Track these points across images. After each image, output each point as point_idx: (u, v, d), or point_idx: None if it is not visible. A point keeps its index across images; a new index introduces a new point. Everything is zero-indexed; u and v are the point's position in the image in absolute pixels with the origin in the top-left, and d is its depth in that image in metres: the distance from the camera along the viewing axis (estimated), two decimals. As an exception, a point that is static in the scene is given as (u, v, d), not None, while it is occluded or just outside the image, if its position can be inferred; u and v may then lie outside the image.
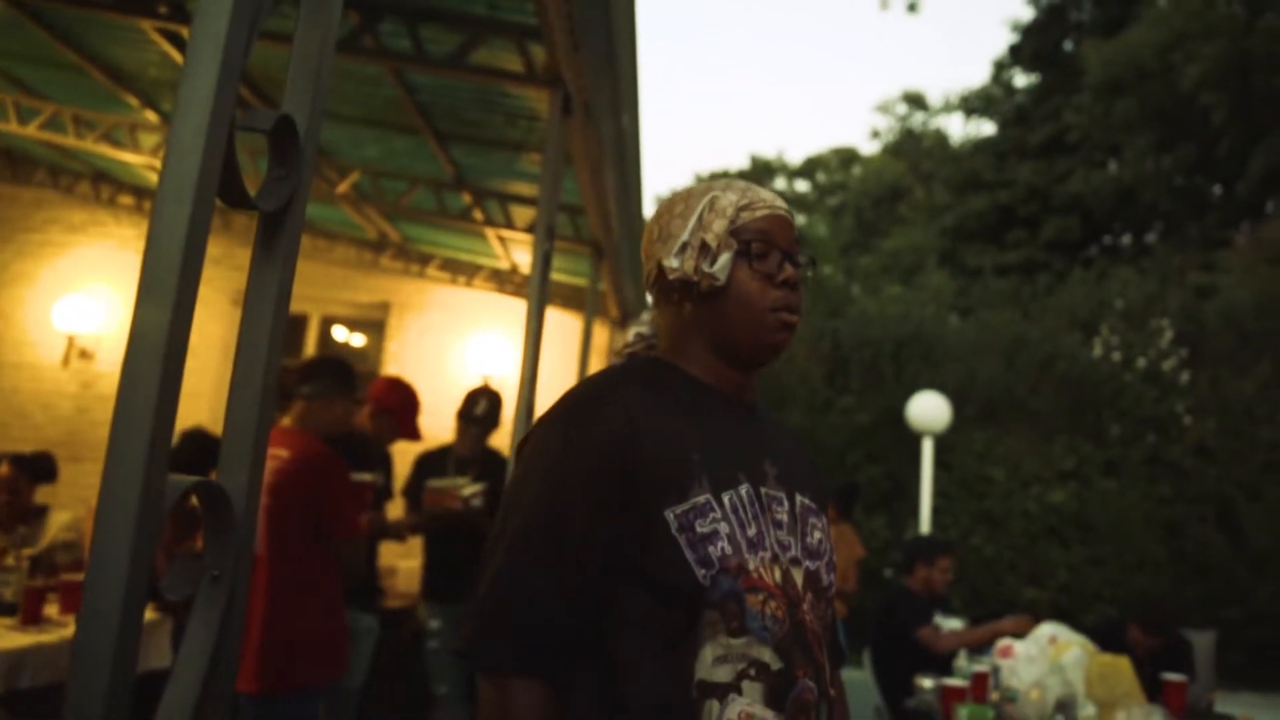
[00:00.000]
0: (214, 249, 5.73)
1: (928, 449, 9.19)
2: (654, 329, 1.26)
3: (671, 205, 1.22)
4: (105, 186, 6.12)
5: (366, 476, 3.28)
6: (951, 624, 4.22)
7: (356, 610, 3.46)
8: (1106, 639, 4.05)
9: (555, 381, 5.04)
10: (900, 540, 10.75)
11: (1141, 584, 9.60)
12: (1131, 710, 2.93)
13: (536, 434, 1.10)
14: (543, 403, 4.07)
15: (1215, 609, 9.63)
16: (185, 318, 0.66)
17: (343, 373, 3.03)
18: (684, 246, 1.17)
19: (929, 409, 8.94)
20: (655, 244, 1.21)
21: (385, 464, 3.76)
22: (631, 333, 1.27)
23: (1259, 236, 13.53)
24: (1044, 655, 3.45)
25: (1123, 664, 3.49)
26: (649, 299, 1.23)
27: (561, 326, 5.22)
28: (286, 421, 2.95)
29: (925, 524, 9.27)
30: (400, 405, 3.46)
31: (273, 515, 2.74)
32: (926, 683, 3.69)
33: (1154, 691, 3.73)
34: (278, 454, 2.84)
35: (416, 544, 4.09)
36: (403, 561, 4.43)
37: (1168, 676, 3.79)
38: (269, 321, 0.79)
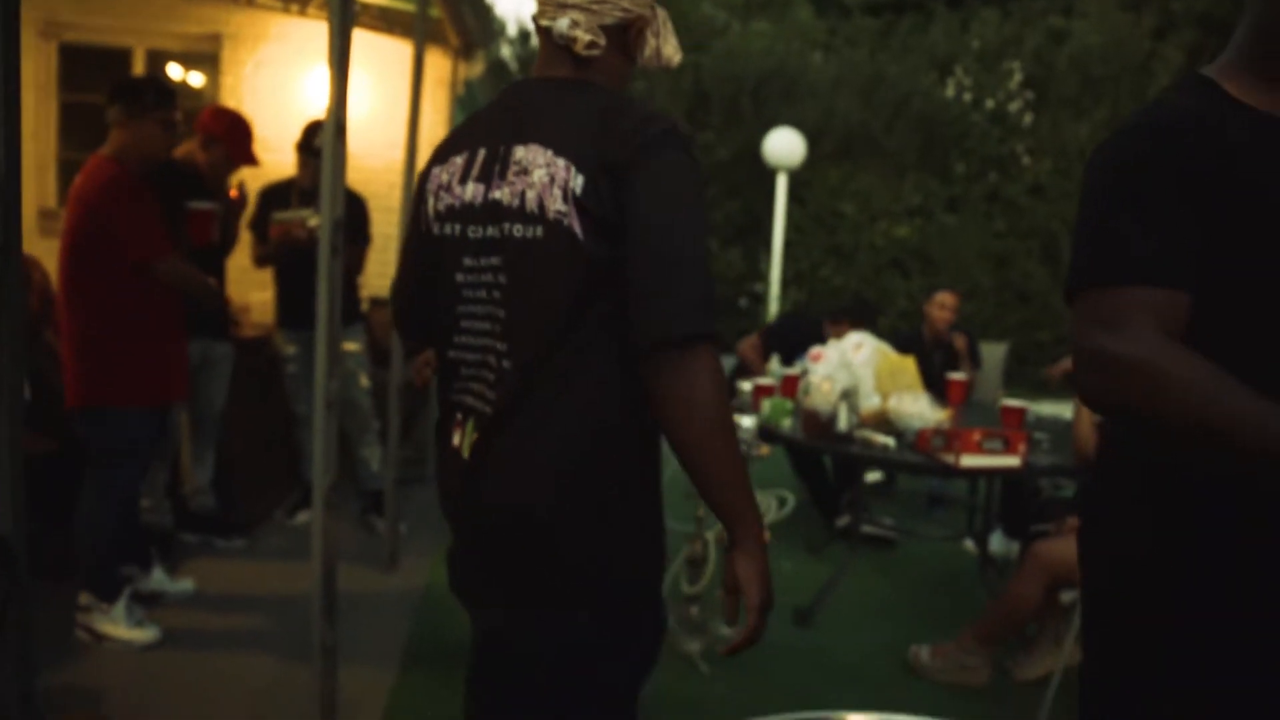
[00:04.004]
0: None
1: (782, 184, 9.51)
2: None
3: None
4: None
5: (206, 205, 3.29)
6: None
7: (209, 338, 3.59)
8: (905, 346, 4.61)
9: (390, 112, 4.95)
10: (754, 272, 11.37)
11: (969, 311, 10.57)
12: (903, 397, 3.44)
13: None
14: (359, 130, 3.92)
15: (1030, 332, 10.78)
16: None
17: (150, 88, 2.93)
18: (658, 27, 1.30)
19: (785, 145, 9.17)
20: None
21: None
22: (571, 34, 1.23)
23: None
24: (843, 357, 3.93)
25: (908, 363, 4.01)
26: (585, 22, 1.22)
27: (397, 55, 5.04)
28: (105, 150, 2.89)
29: (777, 257, 9.79)
30: (229, 130, 3.41)
31: (71, 239, 2.78)
32: (745, 385, 4.15)
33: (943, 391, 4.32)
34: (76, 181, 2.84)
35: (267, 276, 4.18)
36: (255, 294, 4.52)
37: (951, 375, 4.41)
38: None
